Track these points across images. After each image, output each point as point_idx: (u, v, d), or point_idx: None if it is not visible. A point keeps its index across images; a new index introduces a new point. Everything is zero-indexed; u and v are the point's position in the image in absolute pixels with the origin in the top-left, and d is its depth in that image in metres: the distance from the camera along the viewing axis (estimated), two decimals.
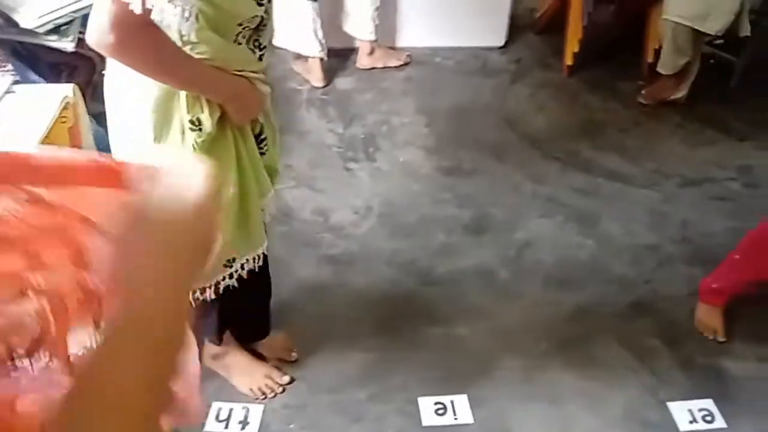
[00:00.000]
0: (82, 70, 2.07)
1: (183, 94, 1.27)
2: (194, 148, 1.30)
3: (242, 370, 1.90)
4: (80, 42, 1.84)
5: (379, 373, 1.95)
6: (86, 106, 1.79)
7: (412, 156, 2.83)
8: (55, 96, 1.65)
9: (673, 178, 2.75)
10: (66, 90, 1.68)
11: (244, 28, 1.26)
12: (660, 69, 3.06)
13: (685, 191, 2.69)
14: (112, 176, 0.58)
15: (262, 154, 1.50)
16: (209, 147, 1.32)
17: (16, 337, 0.60)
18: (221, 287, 1.53)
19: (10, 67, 1.79)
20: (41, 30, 1.82)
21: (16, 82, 1.74)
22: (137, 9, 1.05)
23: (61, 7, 1.81)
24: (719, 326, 2.09)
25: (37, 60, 1.91)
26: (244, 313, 1.82)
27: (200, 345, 1.92)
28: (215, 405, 1.84)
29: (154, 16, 1.09)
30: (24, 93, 1.71)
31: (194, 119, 1.29)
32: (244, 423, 1.80)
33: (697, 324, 2.11)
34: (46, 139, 1.54)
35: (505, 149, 2.88)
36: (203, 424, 1.78)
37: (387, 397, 1.89)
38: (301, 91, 3.21)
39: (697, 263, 2.15)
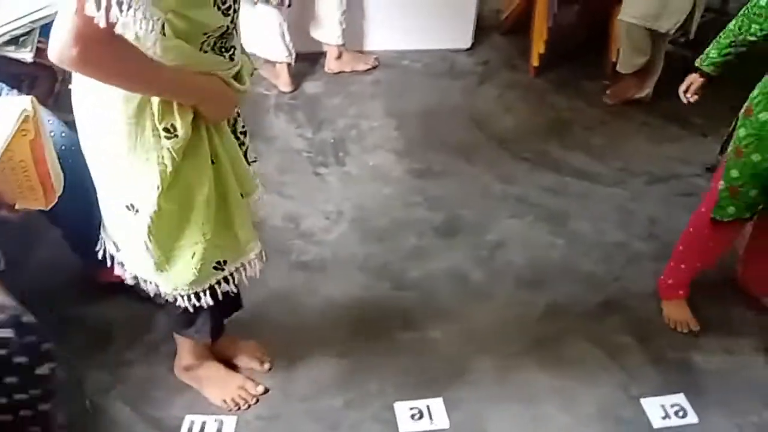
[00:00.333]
0: (43, 80, 2.03)
1: (155, 101, 1.24)
2: (171, 154, 1.28)
3: (215, 381, 1.87)
4: (39, 52, 1.80)
5: (354, 379, 1.94)
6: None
7: (381, 159, 2.83)
8: (13, 108, 1.60)
9: (640, 175, 2.79)
10: (24, 102, 1.63)
11: (208, 37, 1.24)
12: (619, 68, 3.10)
13: (651, 188, 2.73)
14: None
15: (241, 144, 1.48)
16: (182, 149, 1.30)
17: None
18: (219, 292, 1.53)
19: None
20: None
21: None
22: (102, 23, 1.03)
23: (19, 18, 1.77)
24: (689, 317, 2.13)
25: None
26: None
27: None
28: (188, 418, 1.81)
29: (118, 30, 1.07)
30: None
31: (168, 126, 1.26)
32: None
33: (668, 322, 2.14)
34: (8, 152, 1.50)
35: (475, 150, 2.89)
36: None
37: (363, 404, 1.88)
38: (268, 96, 3.19)
39: (665, 259, 2.18)
